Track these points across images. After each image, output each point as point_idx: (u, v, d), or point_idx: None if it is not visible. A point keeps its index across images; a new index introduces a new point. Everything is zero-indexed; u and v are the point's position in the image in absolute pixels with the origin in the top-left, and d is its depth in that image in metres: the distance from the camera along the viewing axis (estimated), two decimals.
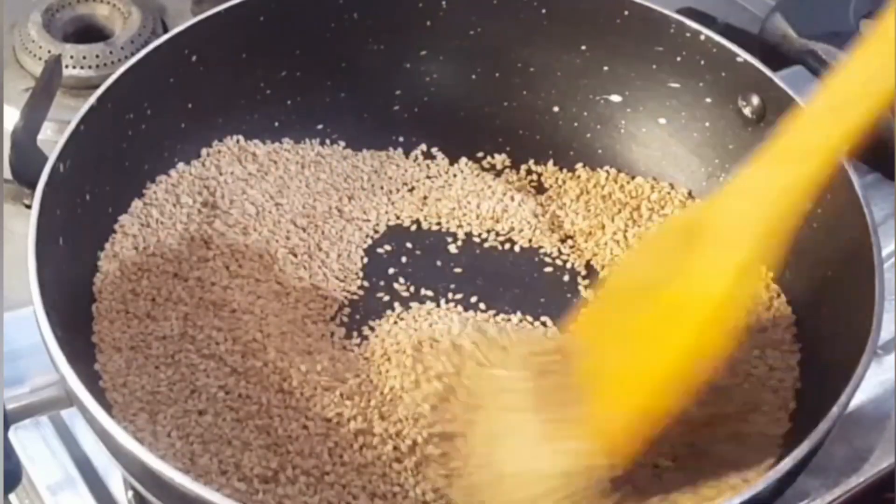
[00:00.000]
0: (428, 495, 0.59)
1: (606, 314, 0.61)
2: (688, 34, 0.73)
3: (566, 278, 0.73)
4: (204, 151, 0.74)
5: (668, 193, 0.76)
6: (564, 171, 0.78)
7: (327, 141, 0.78)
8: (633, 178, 0.77)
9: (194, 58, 0.72)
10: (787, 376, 0.64)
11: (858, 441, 0.68)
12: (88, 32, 0.89)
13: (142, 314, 0.66)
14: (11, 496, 0.64)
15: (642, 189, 0.76)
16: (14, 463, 0.57)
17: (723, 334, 0.56)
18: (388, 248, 0.73)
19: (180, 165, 0.73)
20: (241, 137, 0.75)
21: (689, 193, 0.75)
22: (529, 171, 0.78)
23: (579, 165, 0.78)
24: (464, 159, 0.78)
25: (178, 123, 0.73)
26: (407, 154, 0.78)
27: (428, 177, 0.77)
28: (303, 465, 0.60)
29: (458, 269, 0.73)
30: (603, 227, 0.74)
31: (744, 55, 0.72)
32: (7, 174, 0.71)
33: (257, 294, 0.68)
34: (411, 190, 0.77)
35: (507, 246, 0.74)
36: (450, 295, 0.71)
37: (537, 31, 0.77)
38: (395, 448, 0.61)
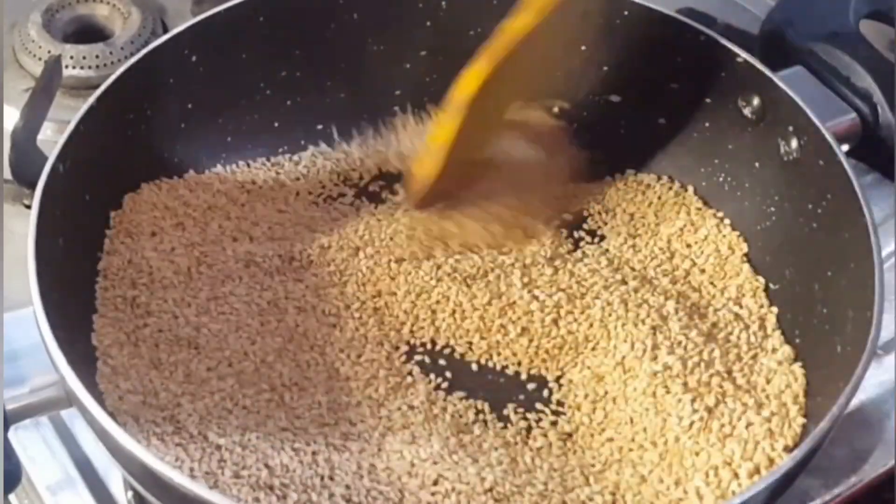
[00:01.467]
0: None
1: None
2: (688, 34, 0.73)
3: None
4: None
5: (670, 189, 0.76)
6: None
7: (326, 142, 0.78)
8: (636, 172, 0.77)
9: (194, 58, 0.72)
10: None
11: (858, 441, 0.68)
12: (88, 32, 0.89)
13: (143, 315, 0.66)
14: (11, 496, 0.64)
15: (643, 186, 0.76)
16: (14, 463, 0.57)
17: None
18: None
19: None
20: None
21: (694, 192, 0.76)
22: None
23: None
24: None
25: (178, 123, 0.73)
26: None
27: None
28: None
29: None
30: (605, 223, 0.75)
31: (744, 55, 0.72)
32: (7, 174, 0.71)
33: (260, 295, 0.69)
34: None
35: None
36: None
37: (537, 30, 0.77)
38: None
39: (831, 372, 0.61)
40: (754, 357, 0.66)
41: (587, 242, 0.74)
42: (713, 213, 0.74)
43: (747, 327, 0.68)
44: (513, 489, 0.60)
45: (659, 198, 0.76)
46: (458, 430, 0.64)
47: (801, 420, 0.62)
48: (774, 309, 0.69)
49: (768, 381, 0.65)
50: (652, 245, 0.73)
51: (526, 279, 0.69)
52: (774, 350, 0.67)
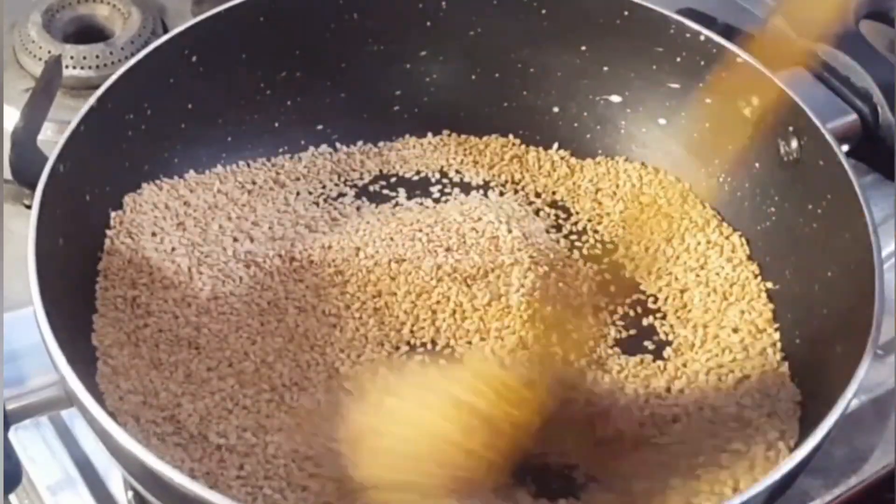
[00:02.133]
0: None
1: None
2: (688, 35, 0.73)
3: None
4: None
5: (671, 183, 0.76)
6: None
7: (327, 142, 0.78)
8: (637, 163, 0.77)
9: (194, 58, 0.72)
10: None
11: (858, 441, 0.68)
12: (88, 33, 0.89)
13: (143, 315, 0.66)
14: (11, 496, 0.64)
15: (642, 180, 0.76)
16: (14, 463, 0.57)
17: None
18: None
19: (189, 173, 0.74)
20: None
21: (689, 188, 0.76)
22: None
23: None
24: None
25: (178, 123, 0.73)
26: None
27: None
28: None
29: None
30: (608, 214, 0.75)
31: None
32: (7, 174, 0.71)
33: (260, 295, 0.69)
34: None
35: None
36: None
37: (537, 31, 0.77)
38: None
39: (831, 372, 0.61)
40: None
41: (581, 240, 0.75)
42: (713, 213, 0.74)
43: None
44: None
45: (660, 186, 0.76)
46: None
47: (802, 420, 0.62)
48: (770, 305, 0.69)
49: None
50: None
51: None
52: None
